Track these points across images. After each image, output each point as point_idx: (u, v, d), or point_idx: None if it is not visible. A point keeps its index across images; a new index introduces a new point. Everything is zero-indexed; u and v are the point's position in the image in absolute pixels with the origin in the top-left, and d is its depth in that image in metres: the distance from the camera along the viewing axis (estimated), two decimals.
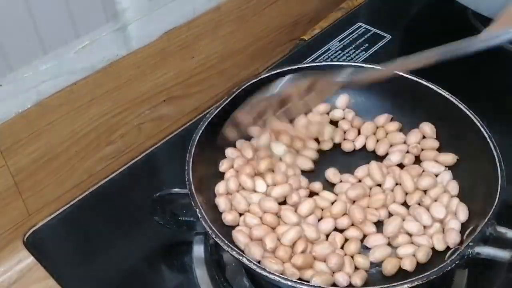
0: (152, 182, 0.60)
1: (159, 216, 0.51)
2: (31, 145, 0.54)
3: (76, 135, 0.58)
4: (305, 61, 0.71)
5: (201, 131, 0.53)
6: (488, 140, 0.51)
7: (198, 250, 0.54)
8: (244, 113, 0.51)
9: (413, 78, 0.56)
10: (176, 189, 0.50)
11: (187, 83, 0.66)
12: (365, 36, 0.75)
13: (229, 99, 0.55)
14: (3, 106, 0.51)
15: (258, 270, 0.44)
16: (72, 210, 0.59)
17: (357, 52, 0.73)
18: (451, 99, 0.54)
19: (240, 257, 0.45)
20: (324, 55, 0.72)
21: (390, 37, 0.75)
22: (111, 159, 0.63)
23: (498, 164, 0.49)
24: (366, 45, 0.74)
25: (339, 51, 0.73)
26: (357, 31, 0.76)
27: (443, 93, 0.55)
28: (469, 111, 0.53)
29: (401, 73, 0.56)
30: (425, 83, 0.56)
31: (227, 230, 0.49)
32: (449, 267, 0.43)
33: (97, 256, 0.55)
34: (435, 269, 0.44)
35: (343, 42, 0.74)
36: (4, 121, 0.51)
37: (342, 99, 0.59)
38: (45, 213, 0.58)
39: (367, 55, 0.72)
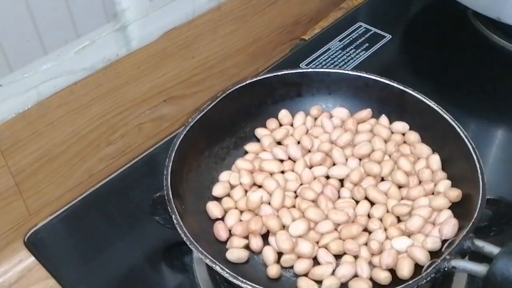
0: (152, 182, 0.59)
1: (160, 216, 0.51)
2: (32, 145, 0.54)
3: (76, 135, 0.58)
4: (304, 61, 0.72)
5: (182, 135, 0.52)
6: (472, 152, 0.50)
7: None
8: None
9: (399, 86, 0.56)
10: None
11: (187, 83, 0.66)
12: (365, 36, 0.75)
13: (212, 104, 0.55)
14: (3, 106, 0.51)
15: (231, 278, 0.44)
16: (72, 210, 0.59)
17: (357, 51, 0.73)
18: (437, 108, 0.54)
19: (214, 265, 0.45)
20: (324, 55, 0.72)
21: (390, 37, 0.75)
22: (111, 159, 0.63)
23: (480, 178, 0.48)
24: (366, 45, 0.74)
25: (339, 51, 0.73)
26: (357, 31, 0.76)
27: (428, 102, 0.55)
28: (457, 125, 0.53)
29: (387, 82, 0.57)
30: (411, 92, 0.56)
31: (204, 236, 0.49)
32: (424, 280, 0.43)
33: (97, 256, 0.55)
34: (409, 282, 0.43)
35: (343, 42, 0.74)
36: (4, 121, 0.52)
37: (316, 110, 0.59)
38: (46, 213, 0.59)
39: (367, 55, 0.72)
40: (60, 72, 0.54)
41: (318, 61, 0.72)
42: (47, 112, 0.54)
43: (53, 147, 0.56)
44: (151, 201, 0.51)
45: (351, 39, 0.75)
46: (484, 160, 0.50)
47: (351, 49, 0.73)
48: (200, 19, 0.63)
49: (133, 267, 0.54)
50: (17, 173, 0.54)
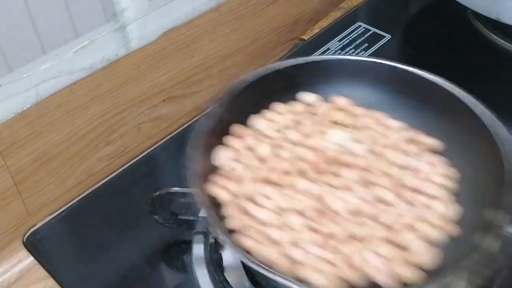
0: (152, 182, 0.60)
1: (159, 215, 0.51)
2: (31, 145, 0.54)
3: (75, 135, 0.58)
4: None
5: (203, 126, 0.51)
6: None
7: (198, 249, 0.53)
8: None
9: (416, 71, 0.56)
10: (176, 188, 0.49)
11: (187, 83, 0.66)
12: (365, 36, 0.75)
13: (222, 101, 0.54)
14: (2, 106, 0.51)
15: (265, 272, 0.43)
16: (72, 210, 0.59)
17: (356, 51, 0.73)
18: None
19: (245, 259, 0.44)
20: (323, 55, 0.72)
21: (390, 37, 0.75)
22: (111, 159, 0.63)
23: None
24: (366, 44, 0.74)
25: (339, 51, 0.73)
26: (356, 31, 0.76)
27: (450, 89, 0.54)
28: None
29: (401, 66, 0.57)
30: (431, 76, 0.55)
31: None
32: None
33: (97, 256, 0.55)
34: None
35: (342, 41, 0.74)
36: (3, 121, 0.52)
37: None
38: (45, 213, 0.58)
39: (367, 55, 0.72)
40: (59, 72, 0.54)
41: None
42: (46, 112, 0.54)
43: (52, 147, 0.56)
44: (151, 200, 0.51)
45: (350, 39, 0.75)
46: None
47: (351, 49, 0.73)
48: (199, 19, 0.63)
49: (132, 266, 0.54)
50: (16, 173, 0.54)
